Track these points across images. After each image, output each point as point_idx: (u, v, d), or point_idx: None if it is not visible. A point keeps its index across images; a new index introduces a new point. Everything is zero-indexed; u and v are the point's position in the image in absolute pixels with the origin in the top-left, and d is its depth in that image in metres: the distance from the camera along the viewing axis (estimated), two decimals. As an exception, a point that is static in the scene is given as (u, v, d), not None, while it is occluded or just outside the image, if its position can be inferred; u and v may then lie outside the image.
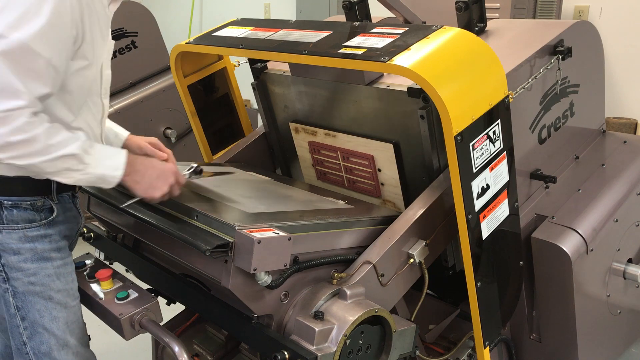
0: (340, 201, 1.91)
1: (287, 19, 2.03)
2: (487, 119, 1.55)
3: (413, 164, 1.91)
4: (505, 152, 1.64)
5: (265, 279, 1.38)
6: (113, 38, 1.85)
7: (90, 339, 1.87)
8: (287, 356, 1.34)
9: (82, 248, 1.90)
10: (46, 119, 1.37)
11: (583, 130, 2.21)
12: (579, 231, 1.88)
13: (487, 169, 1.58)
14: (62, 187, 1.56)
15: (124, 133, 1.86)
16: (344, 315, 1.43)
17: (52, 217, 1.55)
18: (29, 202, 1.50)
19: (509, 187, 1.68)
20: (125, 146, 1.80)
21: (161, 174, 1.53)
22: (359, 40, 1.67)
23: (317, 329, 1.38)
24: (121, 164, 1.46)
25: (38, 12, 1.29)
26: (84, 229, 1.93)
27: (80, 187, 1.74)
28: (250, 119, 2.58)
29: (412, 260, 1.63)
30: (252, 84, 2.30)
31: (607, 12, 3.44)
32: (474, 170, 1.54)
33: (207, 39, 2.10)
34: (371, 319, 1.46)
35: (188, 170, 1.72)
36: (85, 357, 1.64)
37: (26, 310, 1.54)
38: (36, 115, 1.34)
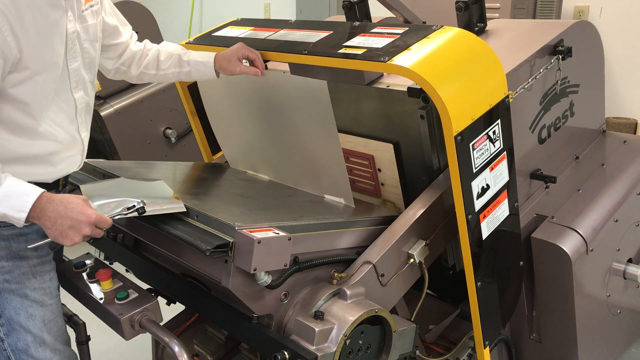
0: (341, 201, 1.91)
1: (287, 19, 2.03)
2: (487, 119, 1.55)
3: (413, 164, 1.91)
4: (505, 152, 1.64)
5: (265, 279, 1.38)
6: None
7: (90, 339, 1.88)
8: (287, 356, 1.34)
9: (82, 248, 1.90)
10: None
11: (583, 130, 2.21)
12: (579, 231, 1.88)
13: (487, 169, 1.59)
14: (42, 185, 1.54)
15: (209, 60, 1.86)
16: (344, 315, 1.43)
17: None
18: None
19: (509, 187, 1.68)
20: (217, 69, 1.84)
21: (74, 225, 1.37)
22: (359, 40, 1.67)
23: (317, 329, 1.38)
24: (27, 207, 1.36)
25: None
26: None
27: (68, 183, 1.74)
28: (250, 119, 2.57)
29: (412, 260, 1.63)
30: (252, 84, 2.30)
31: (607, 12, 3.44)
32: (474, 170, 1.54)
33: (207, 39, 2.10)
34: (371, 319, 1.46)
35: (129, 209, 1.45)
36: (65, 354, 1.64)
37: (2, 307, 1.54)
38: None
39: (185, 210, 1.50)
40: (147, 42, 1.94)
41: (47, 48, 1.46)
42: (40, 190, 1.40)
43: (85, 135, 1.68)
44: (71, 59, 1.56)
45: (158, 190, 1.65)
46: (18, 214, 1.36)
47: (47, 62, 1.46)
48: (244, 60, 1.85)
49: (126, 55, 1.88)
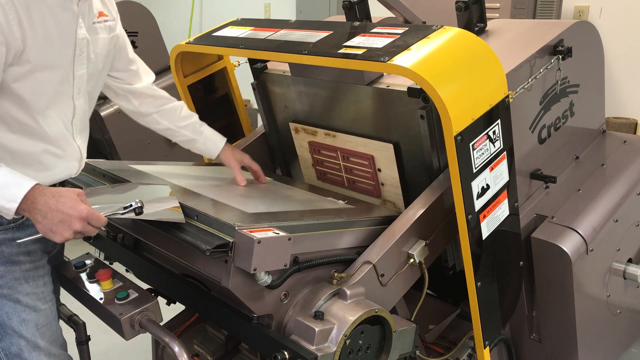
0: (340, 201, 1.91)
1: (287, 19, 2.03)
2: (487, 119, 1.55)
3: (413, 164, 1.91)
4: (505, 152, 1.64)
5: (265, 279, 1.38)
6: None
7: (90, 339, 1.88)
8: (287, 356, 1.34)
9: (82, 248, 1.90)
10: None
11: (583, 130, 2.21)
12: (579, 231, 1.88)
13: (487, 169, 1.58)
14: None
15: (220, 143, 1.99)
16: (344, 315, 1.42)
17: (20, 220, 1.54)
18: None
19: (509, 187, 1.68)
20: (220, 154, 2.00)
21: (65, 219, 1.33)
22: (359, 40, 1.67)
23: (317, 329, 1.38)
24: (18, 198, 1.33)
25: None
26: None
27: (69, 184, 1.74)
28: (250, 119, 2.58)
29: (412, 260, 1.63)
30: (252, 84, 2.30)
31: (607, 12, 3.44)
32: (474, 170, 1.54)
33: (207, 39, 2.10)
34: (371, 319, 1.46)
35: (125, 209, 1.40)
36: (60, 358, 1.63)
37: None
38: None
39: (184, 221, 1.48)
40: (166, 95, 1.99)
41: (52, 47, 1.46)
42: (34, 181, 1.37)
43: (81, 143, 1.68)
44: (78, 65, 1.56)
45: (162, 197, 1.64)
46: (9, 204, 1.33)
47: (49, 61, 1.46)
48: None
49: (140, 88, 1.91)
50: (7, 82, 1.42)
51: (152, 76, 1.97)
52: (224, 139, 2.01)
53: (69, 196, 1.36)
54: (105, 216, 1.39)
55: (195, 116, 2.03)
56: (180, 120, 1.97)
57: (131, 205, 1.40)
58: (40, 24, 1.41)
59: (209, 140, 2.00)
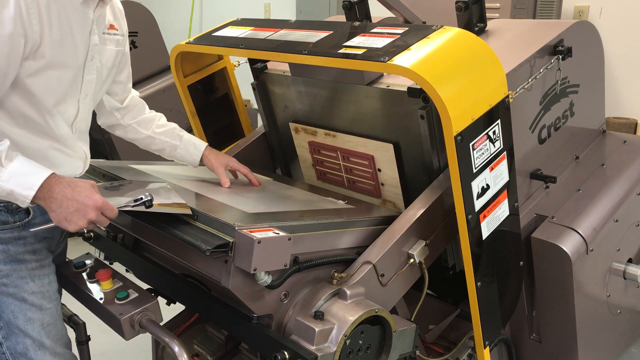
0: (340, 201, 1.91)
1: (287, 19, 2.03)
2: (487, 119, 1.55)
3: (413, 164, 1.91)
4: (505, 152, 1.64)
5: (265, 279, 1.38)
6: None
7: (90, 339, 1.88)
8: (287, 356, 1.34)
9: (82, 248, 1.91)
10: None
11: (583, 130, 2.21)
12: (579, 231, 1.88)
13: (487, 169, 1.58)
14: None
15: (201, 146, 1.97)
16: (344, 315, 1.43)
17: (27, 219, 1.55)
18: (3, 204, 1.50)
19: (509, 187, 1.68)
20: (203, 157, 1.96)
21: (80, 208, 1.36)
22: (359, 40, 1.67)
23: (317, 329, 1.38)
24: (36, 185, 1.35)
25: None
26: None
27: None
28: (250, 119, 2.58)
29: (412, 260, 1.63)
30: (252, 84, 2.30)
31: (607, 12, 3.44)
32: (474, 170, 1.54)
33: (207, 39, 2.10)
34: (371, 319, 1.46)
35: (136, 201, 1.43)
36: (65, 358, 1.64)
37: (0, 310, 1.54)
38: None
39: (191, 213, 1.49)
40: (145, 104, 2.01)
41: (66, 46, 1.48)
42: (50, 170, 1.39)
43: (83, 144, 1.70)
44: (88, 69, 1.58)
45: (164, 194, 1.65)
46: (26, 191, 1.35)
47: (62, 59, 1.48)
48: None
49: (127, 102, 1.93)
50: (21, 76, 1.43)
51: (135, 92, 2.01)
52: (205, 143, 1.99)
53: (84, 186, 1.39)
54: (117, 208, 1.42)
55: (174, 124, 2.01)
56: (158, 127, 1.97)
57: (141, 199, 1.43)
58: (57, 22, 1.43)
59: (190, 144, 1.96)
